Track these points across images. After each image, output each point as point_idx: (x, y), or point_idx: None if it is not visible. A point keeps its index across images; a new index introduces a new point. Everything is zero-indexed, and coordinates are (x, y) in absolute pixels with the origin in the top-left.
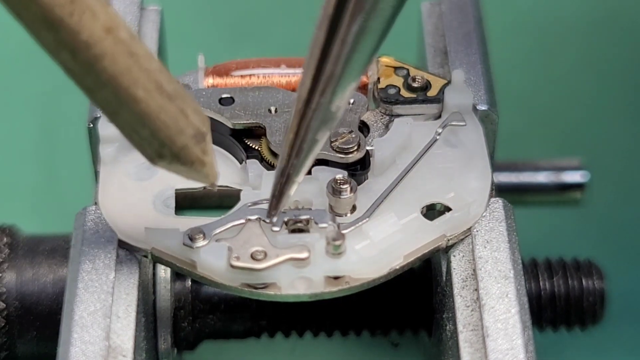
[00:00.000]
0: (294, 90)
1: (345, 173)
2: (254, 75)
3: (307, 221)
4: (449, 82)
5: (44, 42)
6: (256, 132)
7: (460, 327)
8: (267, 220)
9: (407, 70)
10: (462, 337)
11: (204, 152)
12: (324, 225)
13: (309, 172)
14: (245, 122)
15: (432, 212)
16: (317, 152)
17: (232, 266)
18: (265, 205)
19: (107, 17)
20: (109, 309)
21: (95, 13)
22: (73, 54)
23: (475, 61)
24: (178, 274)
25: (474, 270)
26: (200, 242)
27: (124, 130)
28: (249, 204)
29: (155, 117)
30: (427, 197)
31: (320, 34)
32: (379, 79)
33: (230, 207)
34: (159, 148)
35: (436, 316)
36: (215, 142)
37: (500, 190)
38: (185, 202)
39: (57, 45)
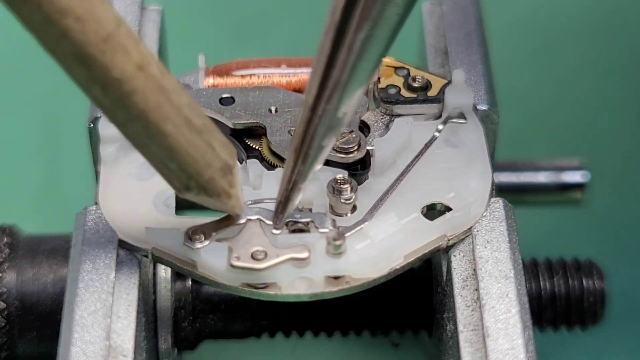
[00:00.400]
0: (294, 90)
1: (346, 173)
2: (254, 75)
3: (307, 224)
4: (449, 82)
5: (76, 77)
6: (256, 132)
7: (460, 327)
8: (273, 228)
9: (408, 70)
10: (462, 337)
11: (231, 185)
12: (325, 230)
13: None
14: (245, 122)
15: (433, 212)
16: (323, 158)
17: (233, 266)
18: (266, 205)
19: (139, 55)
20: (109, 309)
21: (127, 51)
22: (104, 90)
23: (475, 61)
24: (178, 274)
25: (475, 270)
26: (201, 242)
27: (153, 162)
28: (249, 203)
29: (183, 151)
30: (428, 197)
31: (326, 40)
32: (379, 78)
33: None
34: (187, 181)
35: (436, 316)
36: None
37: (500, 190)
38: (186, 202)
39: (88, 80)
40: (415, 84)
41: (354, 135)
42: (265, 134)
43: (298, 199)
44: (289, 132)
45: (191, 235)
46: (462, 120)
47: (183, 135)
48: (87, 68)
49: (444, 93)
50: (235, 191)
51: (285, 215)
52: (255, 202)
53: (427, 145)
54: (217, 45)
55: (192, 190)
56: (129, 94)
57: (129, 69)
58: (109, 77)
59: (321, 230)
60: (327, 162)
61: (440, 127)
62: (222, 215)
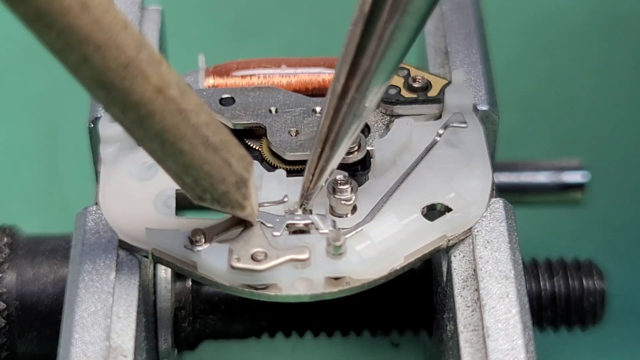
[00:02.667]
0: (294, 90)
1: (346, 173)
2: (254, 75)
3: (307, 225)
4: (449, 82)
5: (97, 97)
6: (257, 132)
7: (460, 328)
8: (269, 223)
9: (408, 70)
10: (462, 338)
11: (244, 197)
12: (325, 231)
13: None
14: (245, 122)
15: (433, 212)
16: (349, 145)
17: (233, 267)
18: (266, 207)
19: (159, 78)
20: (109, 309)
21: (147, 76)
22: (123, 111)
23: (475, 61)
24: (178, 274)
25: (475, 270)
26: (201, 244)
27: (170, 173)
28: None
29: (198, 167)
30: (428, 198)
31: (356, 30)
32: None
33: None
34: (201, 193)
35: (437, 316)
36: None
37: (500, 190)
38: (186, 203)
39: (108, 101)
40: (416, 84)
41: None
42: (265, 135)
43: (323, 185)
44: (289, 132)
45: (192, 237)
46: (462, 125)
47: (199, 154)
48: (106, 91)
49: (444, 93)
50: (248, 203)
51: (310, 200)
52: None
53: (428, 149)
54: (217, 45)
55: (206, 201)
56: (146, 116)
57: (147, 92)
58: (127, 101)
59: (321, 231)
60: None
61: (441, 131)
62: (223, 216)
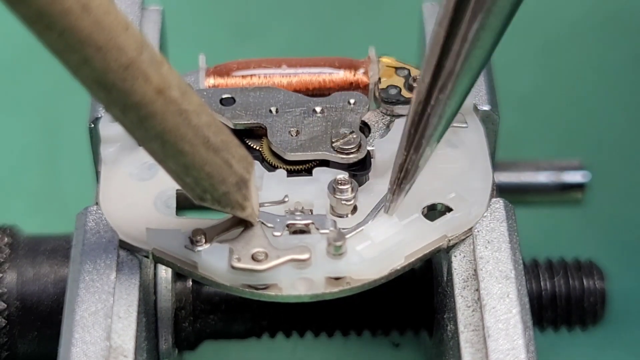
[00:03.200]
0: (295, 90)
1: (346, 174)
2: (255, 75)
3: (308, 225)
4: None
5: (97, 97)
6: (257, 132)
7: (461, 328)
8: (270, 224)
9: (408, 70)
10: (463, 338)
11: (245, 198)
12: (325, 231)
13: (310, 173)
14: (246, 122)
15: (433, 212)
16: (434, 147)
17: (233, 267)
18: (267, 207)
19: (160, 79)
20: (110, 309)
21: (148, 77)
22: (123, 112)
23: None
24: (179, 274)
25: (475, 270)
26: (202, 244)
27: (170, 173)
28: None
29: (199, 168)
30: (428, 198)
31: (440, 30)
32: (380, 79)
33: None
34: (201, 194)
35: (437, 316)
36: None
37: (501, 190)
38: (186, 203)
39: (108, 102)
40: (416, 84)
41: (354, 136)
42: (265, 135)
43: (409, 188)
44: (289, 132)
45: (192, 237)
46: (463, 125)
47: (199, 154)
48: (107, 92)
49: None
50: (249, 203)
51: (397, 205)
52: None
53: None
54: (217, 45)
55: (206, 201)
56: (147, 117)
57: (148, 93)
58: (128, 102)
59: (322, 231)
60: (328, 163)
61: None
62: (223, 216)
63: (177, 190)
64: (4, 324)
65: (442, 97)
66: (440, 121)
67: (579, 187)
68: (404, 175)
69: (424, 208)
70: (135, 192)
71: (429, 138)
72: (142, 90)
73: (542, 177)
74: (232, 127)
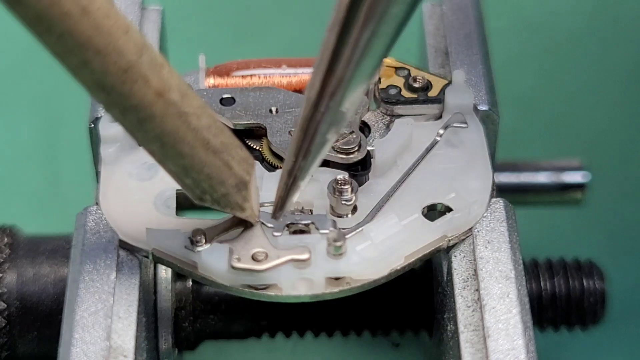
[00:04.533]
0: (295, 90)
1: (346, 174)
2: (254, 75)
3: (308, 225)
4: (449, 83)
5: (96, 98)
6: (257, 132)
7: (461, 328)
8: (270, 224)
9: (408, 70)
10: (463, 338)
11: (244, 199)
12: (325, 231)
13: None
14: (246, 122)
15: (433, 212)
16: (324, 154)
17: (233, 267)
18: (267, 208)
19: (160, 82)
20: (110, 309)
21: (147, 80)
22: (123, 114)
23: (476, 61)
24: (179, 274)
25: (475, 270)
26: (202, 244)
27: (170, 174)
28: None
29: (198, 170)
30: (428, 198)
31: (331, 36)
32: (380, 79)
33: None
34: (201, 194)
35: (437, 316)
36: None
37: (501, 190)
38: (186, 203)
39: (108, 104)
40: (416, 85)
41: (354, 136)
42: (265, 135)
43: (297, 195)
44: (289, 132)
45: (192, 237)
46: (463, 125)
47: (199, 156)
48: (106, 94)
49: (444, 93)
50: (248, 204)
51: (283, 211)
52: None
53: (428, 150)
54: (217, 45)
55: (206, 202)
56: (146, 119)
57: (147, 96)
58: (127, 104)
59: (322, 231)
60: (328, 163)
61: (441, 131)
62: (224, 216)
63: (177, 190)
64: (3, 324)
65: (332, 104)
66: (330, 128)
67: (579, 187)
68: (292, 182)
69: (423, 208)
70: (135, 192)
71: (318, 145)
72: (141, 93)
73: (542, 177)
74: (232, 127)
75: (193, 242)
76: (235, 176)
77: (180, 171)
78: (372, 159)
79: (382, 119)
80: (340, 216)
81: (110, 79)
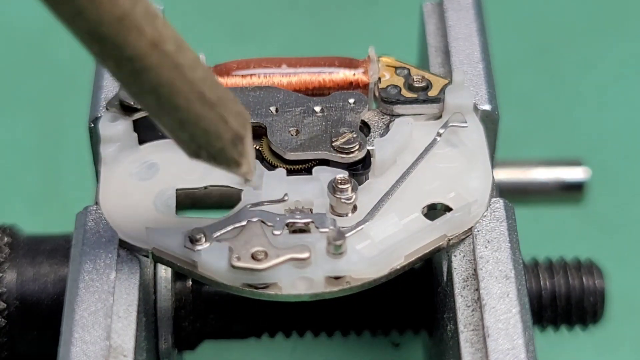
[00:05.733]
0: (295, 90)
1: (346, 173)
2: (254, 75)
3: (308, 224)
4: (450, 82)
5: (92, 51)
6: (257, 131)
7: (461, 327)
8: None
9: (408, 70)
10: (463, 337)
11: (241, 154)
12: (325, 230)
13: (310, 172)
14: None
15: (433, 212)
16: None
17: (233, 266)
18: (266, 207)
19: (155, 32)
20: (109, 309)
21: (141, 30)
22: (117, 66)
23: (476, 61)
24: (179, 274)
25: (475, 270)
26: (202, 244)
27: (165, 129)
28: (250, 206)
29: (194, 123)
30: (428, 197)
31: None
32: (380, 78)
33: (230, 207)
34: (197, 150)
35: (437, 316)
36: None
37: (501, 190)
38: (186, 202)
39: (102, 55)
40: (416, 84)
41: (354, 135)
42: (265, 134)
43: None
44: (289, 132)
45: (192, 236)
46: (463, 124)
47: (194, 109)
48: (100, 45)
49: (444, 93)
50: (245, 160)
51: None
52: (255, 204)
53: (428, 149)
54: (217, 45)
55: (202, 158)
56: (141, 70)
57: (142, 47)
58: (122, 55)
59: (322, 230)
60: (328, 162)
61: (441, 131)
62: (223, 216)
63: (177, 189)
64: (3, 324)
65: None
66: None
67: (579, 186)
68: None
69: (424, 207)
70: (135, 191)
71: None
72: (135, 44)
73: (542, 177)
74: None
75: (193, 241)
76: (231, 130)
77: (176, 125)
78: (372, 158)
79: (382, 118)
80: (340, 215)
81: (105, 29)
